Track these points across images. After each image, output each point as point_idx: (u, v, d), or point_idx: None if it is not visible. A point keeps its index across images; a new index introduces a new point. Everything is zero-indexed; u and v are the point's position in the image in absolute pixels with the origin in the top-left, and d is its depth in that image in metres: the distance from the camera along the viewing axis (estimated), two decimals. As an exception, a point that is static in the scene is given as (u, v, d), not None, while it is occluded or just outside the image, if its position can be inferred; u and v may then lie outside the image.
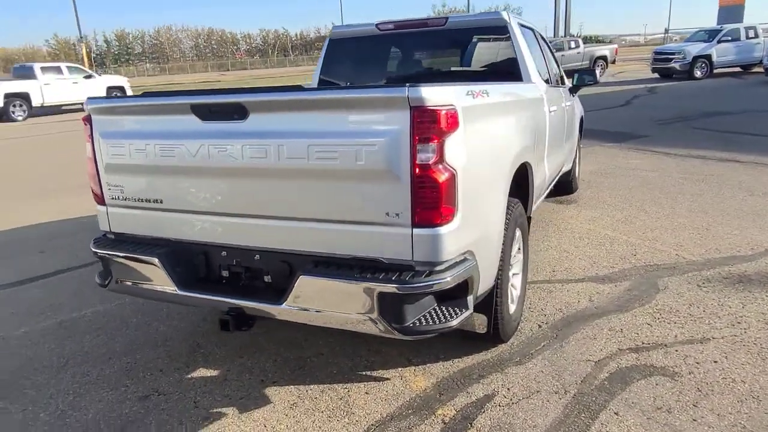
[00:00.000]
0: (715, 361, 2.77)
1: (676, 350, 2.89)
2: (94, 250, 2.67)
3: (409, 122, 1.97)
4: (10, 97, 17.64)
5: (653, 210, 5.47)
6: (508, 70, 3.89)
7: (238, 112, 2.20)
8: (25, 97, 17.96)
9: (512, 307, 3.06)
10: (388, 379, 2.76)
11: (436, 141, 1.99)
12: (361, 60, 4.33)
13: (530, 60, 3.86)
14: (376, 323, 2.11)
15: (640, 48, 63.34)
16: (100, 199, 2.70)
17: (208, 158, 2.29)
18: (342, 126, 2.06)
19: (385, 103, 1.99)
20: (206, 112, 2.26)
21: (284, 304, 2.24)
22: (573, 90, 5.55)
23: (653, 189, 6.29)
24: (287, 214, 2.25)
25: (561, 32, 32.87)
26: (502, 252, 2.65)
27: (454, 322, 2.13)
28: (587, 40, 41.22)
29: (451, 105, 2.05)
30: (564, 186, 6.17)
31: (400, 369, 2.84)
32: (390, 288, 2.02)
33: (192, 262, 2.52)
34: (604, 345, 2.97)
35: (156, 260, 2.46)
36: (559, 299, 3.55)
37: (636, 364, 2.78)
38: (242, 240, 2.38)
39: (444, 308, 2.21)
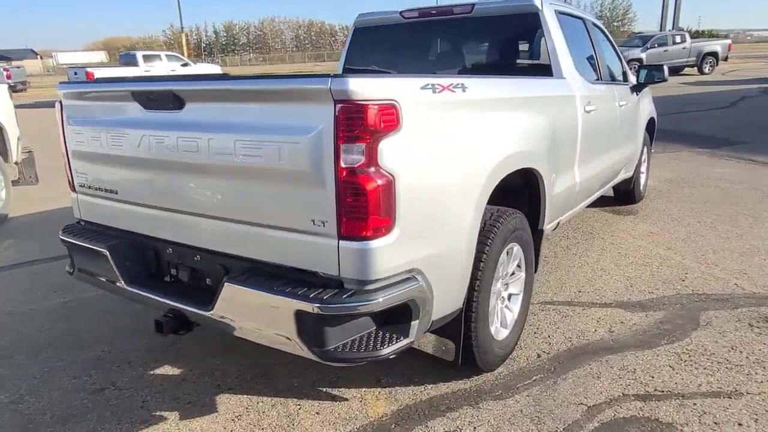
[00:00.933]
0: (740, 424, 2.26)
1: (695, 403, 2.39)
2: (61, 237, 2.64)
3: (332, 119, 1.70)
4: None
5: (725, 229, 4.75)
6: (536, 64, 3.46)
7: (174, 102, 2.04)
8: None
9: (503, 333, 2.69)
10: (346, 399, 2.51)
11: (365, 141, 1.71)
12: (385, 49, 4.05)
13: (564, 53, 3.40)
14: (296, 344, 1.87)
15: (762, 45, 57.41)
16: (71, 186, 2.66)
17: (149, 149, 2.15)
18: (266, 120, 1.84)
19: (309, 96, 1.74)
20: (146, 100, 2.12)
21: (213, 310, 2.06)
22: (637, 88, 4.94)
23: (734, 204, 5.50)
24: (222, 215, 2.06)
25: (669, 26, 30.29)
26: (479, 270, 2.31)
27: (385, 352, 1.85)
28: (700, 34, 37.87)
29: (390, 100, 1.76)
30: (624, 195, 5.56)
31: (364, 389, 2.58)
32: (308, 306, 1.78)
33: (143, 257, 2.41)
34: (608, 387, 2.53)
35: (106, 252, 2.37)
36: (574, 326, 3.11)
37: (638, 415, 2.33)
38: (184, 238, 2.23)
39: (384, 333, 1.93)
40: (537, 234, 3.00)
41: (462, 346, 2.38)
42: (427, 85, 1.93)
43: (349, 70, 4.18)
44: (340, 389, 2.58)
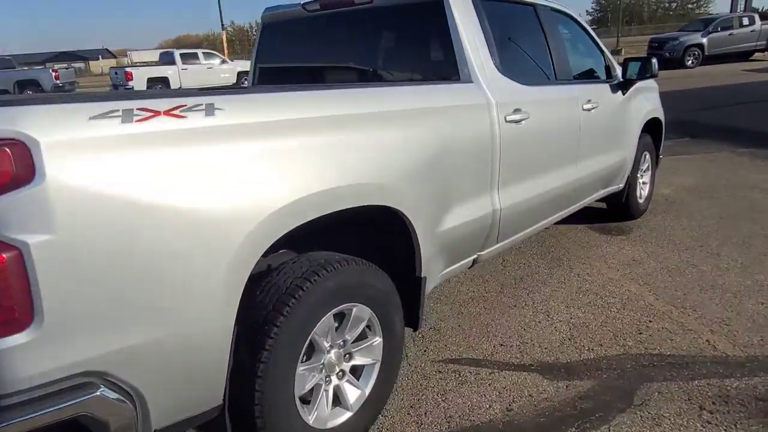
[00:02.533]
0: None
1: None
2: None
3: None
4: (152, 81, 19.21)
5: (729, 256, 3.88)
6: (439, 64, 2.80)
7: None
8: (165, 81, 19.43)
9: (341, 417, 2.10)
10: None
11: (-35, 200, 1.18)
12: (294, 49, 3.47)
13: (479, 50, 2.71)
14: None
15: None
16: None
17: None
18: None
19: None
20: None
21: None
22: (623, 86, 4.11)
23: (755, 221, 4.55)
24: None
25: (741, 7, 27.52)
26: (264, 350, 1.73)
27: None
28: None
29: (12, 140, 1.22)
30: (616, 210, 4.73)
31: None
32: None
33: None
34: (460, 502, 1.89)
35: None
36: (466, 397, 2.46)
37: None
38: None
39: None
40: (416, 283, 2.37)
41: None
42: (111, 112, 1.37)
43: (263, 75, 3.64)
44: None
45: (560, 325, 3.06)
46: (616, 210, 4.74)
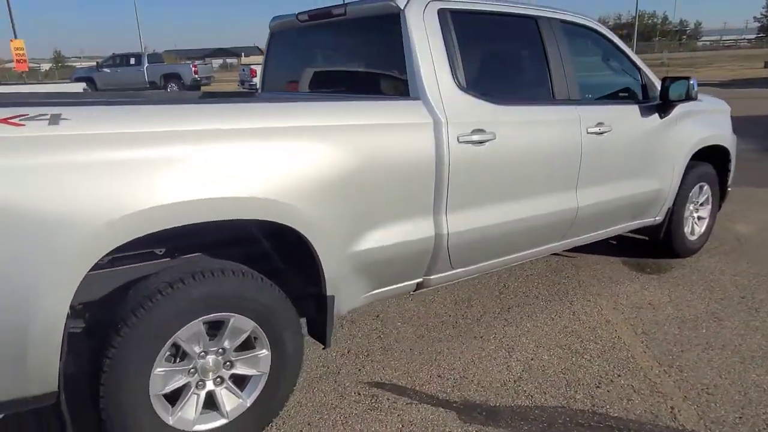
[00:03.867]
0: None
1: None
2: None
3: None
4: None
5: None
6: (393, 79, 2.71)
7: None
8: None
9: (209, 425, 2.14)
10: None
11: None
12: (290, 57, 3.55)
13: (428, 66, 2.57)
14: None
15: None
16: None
17: None
18: None
19: None
20: None
21: None
22: (661, 108, 3.66)
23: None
24: None
25: None
26: (112, 354, 1.84)
27: None
28: None
29: None
30: (657, 246, 4.24)
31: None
32: None
33: None
34: None
35: None
36: (364, 425, 2.36)
37: None
38: None
39: None
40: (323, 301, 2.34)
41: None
42: None
43: (269, 79, 3.79)
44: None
45: (515, 365, 2.83)
46: (656, 246, 4.25)
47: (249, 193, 2.02)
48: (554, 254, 4.39)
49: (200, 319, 2.02)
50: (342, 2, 3.04)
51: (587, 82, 3.41)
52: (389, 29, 2.65)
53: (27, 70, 23.00)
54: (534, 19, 3.11)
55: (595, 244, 4.40)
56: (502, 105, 2.82)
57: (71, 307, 1.76)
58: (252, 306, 2.12)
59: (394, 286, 2.68)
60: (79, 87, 6.86)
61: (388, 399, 2.56)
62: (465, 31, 2.78)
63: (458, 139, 2.60)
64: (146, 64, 23.12)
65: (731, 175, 4.56)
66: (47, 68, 59.61)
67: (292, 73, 3.60)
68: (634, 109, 3.56)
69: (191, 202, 1.89)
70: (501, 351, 2.97)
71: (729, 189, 4.62)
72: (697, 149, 4.01)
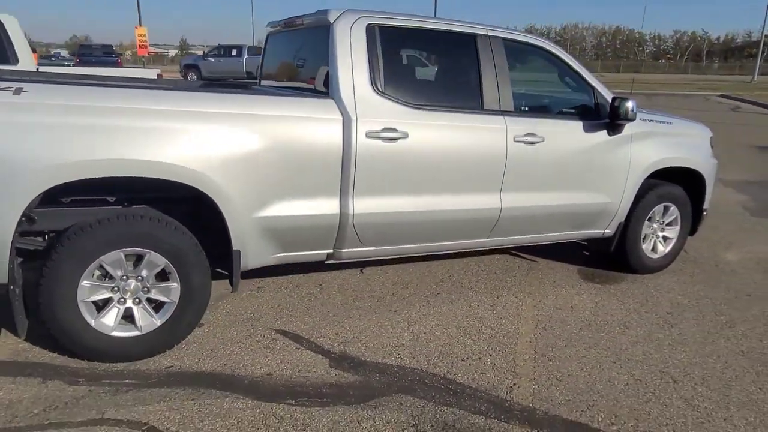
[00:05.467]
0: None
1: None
2: None
3: None
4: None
5: (685, 330, 3.46)
6: (323, 80, 3.22)
7: None
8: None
9: (123, 333, 2.79)
10: None
11: None
12: (278, 56, 4.18)
13: (346, 70, 3.06)
14: None
15: None
16: None
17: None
18: None
19: None
20: None
21: None
22: (611, 127, 3.88)
23: (774, 307, 3.85)
24: None
25: None
26: (49, 264, 2.55)
27: None
28: None
29: None
30: (609, 258, 4.41)
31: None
32: None
33: None
34: None
35: None
36: (242, 350, 2.93)
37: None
38: None
39: None
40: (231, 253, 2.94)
41: None
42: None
43: (265, 74, 4.44)
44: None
45: (407, 335, 3.25)
46: (609, 258, 4.42)
47: (162, 159, 2.65)
48: (514, 255, 4.71)
49: (120, 250, 2.67)
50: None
51: (527, 96, 3.72)
52: (323, 38, 3.19)
53: (147, 54, 25.85)
54: (469, 36, 3.50)
55: (560, 251, 4.69)
56: (419, 110, 3.25)
57: (21, 227, 2.48)
58: (165, 247, 2.75)
59: (304, 252, 3.21)
60: (153, 74, 7.90)
61: (283, 342, 3.10)
62: (392, 44, 3.27)
63: (366, 135, 3.08)
64: (246, 56, 25.15)
65: (707, 198, 4.59)
66: (174, 54, 65.74)
67: (276, 68, 4.24)
68: (577, 124, 3.81)
69: (114, 160, 2.56)
70: (403, 324, 3.40)
71: (705, 213, 4.65)
72: (655, 169, 4.15)
